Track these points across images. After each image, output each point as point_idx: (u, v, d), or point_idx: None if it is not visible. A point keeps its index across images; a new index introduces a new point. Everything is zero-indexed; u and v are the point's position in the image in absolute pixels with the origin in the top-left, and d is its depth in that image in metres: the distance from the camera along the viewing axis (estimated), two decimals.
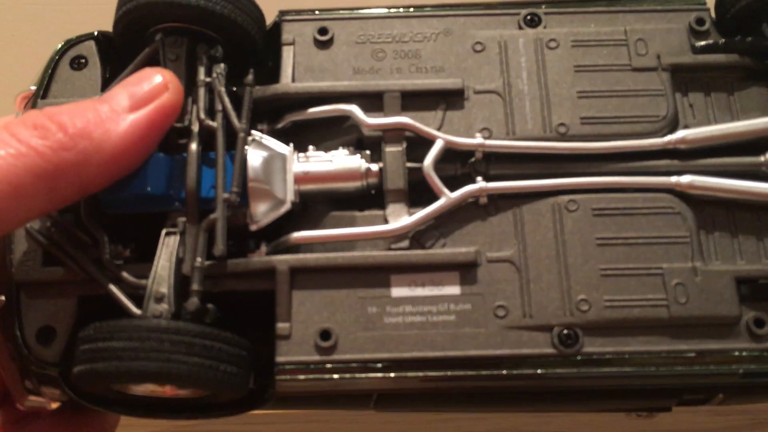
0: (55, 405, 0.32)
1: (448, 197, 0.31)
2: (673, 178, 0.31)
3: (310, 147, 0.32)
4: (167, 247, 0.30)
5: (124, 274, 0.30)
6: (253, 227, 0.31)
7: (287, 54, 0.33)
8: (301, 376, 0.29)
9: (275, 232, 0.31)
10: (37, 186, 0.27)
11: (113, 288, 0.29)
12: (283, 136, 0.32)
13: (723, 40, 0.33)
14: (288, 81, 0.33)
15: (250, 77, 0.32)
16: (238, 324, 0.29)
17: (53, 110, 0.28)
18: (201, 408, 0.31)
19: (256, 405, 0.30)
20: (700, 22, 0.33)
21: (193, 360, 0.27)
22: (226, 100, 0.31)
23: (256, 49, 0.33)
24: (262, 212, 0.31)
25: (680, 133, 0.31)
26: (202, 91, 0.31)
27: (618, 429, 0.45)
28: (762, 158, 0.31)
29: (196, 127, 0.31)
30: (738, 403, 0.32)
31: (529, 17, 0.34)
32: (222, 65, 0.32)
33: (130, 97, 0.29)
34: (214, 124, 0.31)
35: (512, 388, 0.30)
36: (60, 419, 0.33)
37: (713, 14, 0.34)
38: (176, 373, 0.27)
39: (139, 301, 0.29)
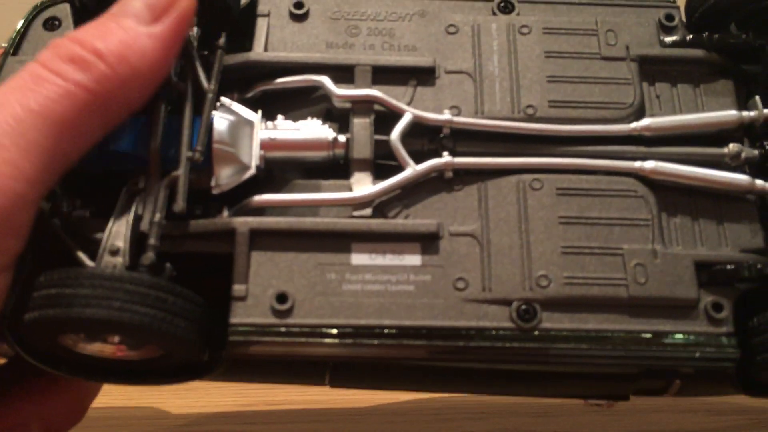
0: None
1: (413, 169, 0.31)
2: (637, 163, 0.31)
3: (279, 116, 0.32)
4: (126, 204, 0.29)
5: (81, 228, 0.29)
6: (216, 190, 0.30)
7: (261, 24, 0.33)
8: (255, 338, 0.28)
9: (240, 200, 0.31)
10: (92, 121, 0.27)
11: (66, 239, 0.29)
12: (252, 105, 0.32)
13: (691, 36, 0.34)
14: (260, 50, 0.33)
15: (221, 41, 0.32)
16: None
17: (81, 36, 0.27)
18: (150, 374, 0.30)
19: (207, 371, 0.30)
20: (670, 18, 0.34)
21: (146, 311, 0.26)
22: (197, 62, 0.31)
23: (231, 17, 0.33)
24: (225, 176, 0.30)
25: (645, 121, 0.32)
26: None
27: (618, 428, 0.44)
28: (725, 150, 0.32)
29: (165, 89, 0.31)
30: (696, 393, 0.32)
31: (502, 4, 0.34)
32: (195, 29, 0.32)
33: (149, 9, 0.28)
34: (183, 85, 0.31)
35: (468, 365, 0.30)
36: (30, 393, 0.31)
37: (683, 13, 0.35)
38: (128, 323, 0.26)
39: (94, 256, 0.29)
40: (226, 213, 0.31)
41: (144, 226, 0.29)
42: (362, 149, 0.31)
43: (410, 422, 0.45)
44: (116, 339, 0.29)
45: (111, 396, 0.45)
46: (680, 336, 0.29)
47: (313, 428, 0.44)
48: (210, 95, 0.30)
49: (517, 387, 0.33)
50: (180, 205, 0.29)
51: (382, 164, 0.31)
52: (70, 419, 0.33)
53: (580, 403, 0.44)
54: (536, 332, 0.29)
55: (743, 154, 0.32)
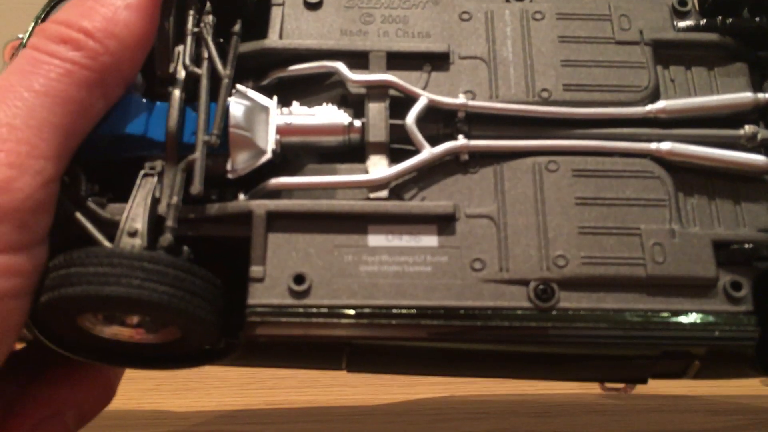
0: (18, 345, 0.31)
1: (429, 151, 0.31)
2: (653, 145, 0.31)
3: (295, 102, 0.32)
4: (144, 187, 0.30)
5: (99, 211, 0.29)
6: (232, 175, 0.30)
7: (276, 13, 0.34)
8: (272, 319, 0.28)
9: (256, 186, 0.31)
10: (94, 96, 0.28)
11: (85, 221, 0.29)
12: (268, 92, 0.32)
13: (704, 21, 0.34)
14: (275, 38, 0.33)
15: (237, 27, 0.32)
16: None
17: (66, 18, 0.28)
18: (168, 358, 0.30)
19: (224, 355, 0.30)
20: (683, 3, 0.34)
21: (165, 289, 0.26)
22: (212, 48, 0.31)
23: (246, 5, 0.33)
24: (242, 160, 0.31)
25: (661, 103, 0.32)
26: (189, 40, 0.32)
27: (618, 428, 0.44)
28: (741, 131, 0.32)
29: (181, 75, 0.31)
30: (715, 375, 0.32)
31: None
32: (210, 17, 0.32)
33: None
34: (199, 71, 0.31)
35: (485, 347, 0.30)
36: (62, 380, 0.32)
37: None
38: (146, 300, 0.26)
39: (112, 239, 0.29)
40: (242, 197, 0.31)
41: (161, 209, 0.29)
42: (378, 133, 0.31)
43: (410, 422, 0.45)
44: (134, 321, 0.29)
45: None
46: (699, 315, 0.29)
47: (313, 428, 0.44)
48: (226, 80, 0.31)
49: (535, 370, 0.33)
50: (197, 187, 0.29)
51: (398, 150, 0.31)
52: (102, 402, 0.33)
53: (583, 402, 0.45)
54: (554, 312, 0.28)
55: (759, 136, 0.32)
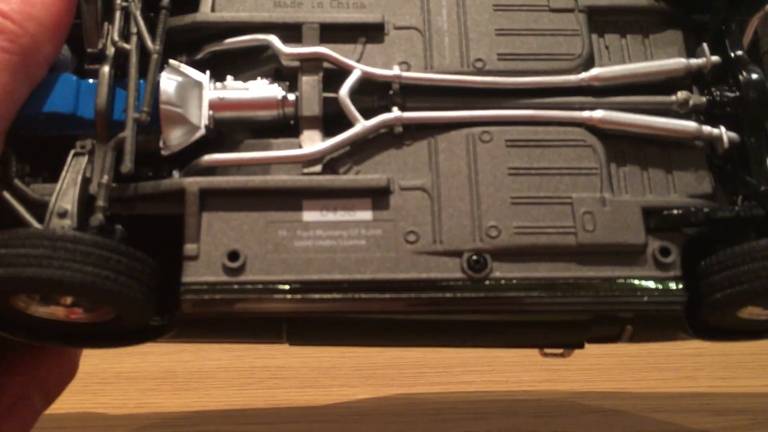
0: None
1: (362, 124, 0.31)
2: (586, 113, 0.31)
3: (229, 77, 0.32)
4: (74, 166, 0.29)
5: (29, 192, 0.29)
6: (166, 152, 0.30)
7: None
8: (207, 296, 0.28)
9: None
10: (17, 79, 0.28)
11: (13, 202, 0.29)
12: (202, 67, 0.32)
13: None
14: (207, 11, 0.33)
15: (165, 1, 0.32)
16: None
17: None
18: (104, 336, 0.30)
19: (161, 333, 0.30)
20: None
21: (89, 269, 0.26)
22: (141, 22, 0.31)
23: None
24: (174, 137, 0.30)
25: (594, 71, 0.32)
26: (118, 15, 0.31)
27: (618, 428, 0.45)
28: (673, 97, 0.32)
29: (111, 52, 0.31)
30: (649, 339, 0.33)
31: None
32: None
33: None
34: (128, 47, 0.31)
35: (423, 317, 0.30)
36: (21, 364, 0.32)
37: None
38: (69, 282, 0.26)
39: (43, 220, 0.29)
40: (176, 174, 0.30)
41: (93, 188, 0.29)
42: (311, 106, 0.31)
43: (410, 422, 0.45)
44: (68, 301, 0.29)
45: (110, 396, 0.46)
46: (628, 281, 0.29)
47: (313, 428, 0.45)
48: (155, 56, 0.30)
49: (475, 339, 0.33)
50: (127, 165, 0.29)
51: (335, 123, 0.31)
52: (66, 377, 0.33)
53: (583, 402, 0.46)
54: (487, 282, 0.29)
55: (691, 101, 0.32)
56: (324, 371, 0.48)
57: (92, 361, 0.48)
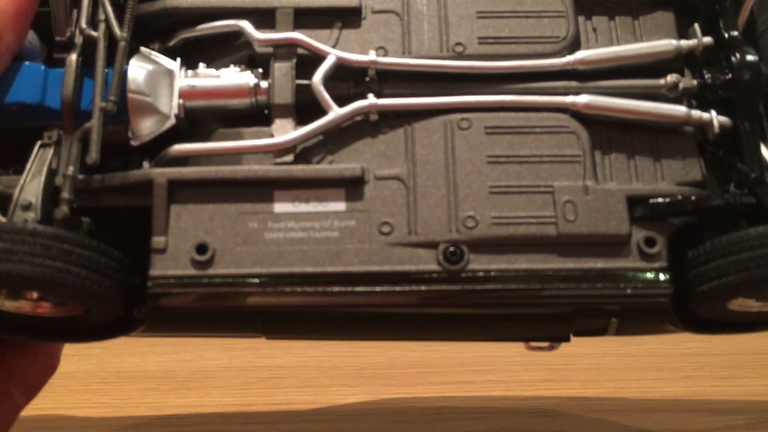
0: None
1: (336, 112, 0.30)
2: (569, 98, 0.30)
3: (201, 65, 0.31)
4: (40, 158, 0.29)
5: None
6: (135, 142, 0.30)
7: None
8: (176, 290, 0.28)
9: None
10: None
11: None
12: (175, 55, 0.31)
13: None
14: None
15: None
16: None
17: None
18: (73, 331, 0.29)
19: (130, 328, 0.29)
20: None
21: (49, 263, 0.26)
22: (109, 9, 0.30)
23: None
24: (144, 127, 0.30)
25: (579, 54, 0.31)
26: (86, 1, 0.30)
27: (619, 428, 0.45)
28: (662, 81, 0.31)
29: (79, 40, 0.30)
30: (636, 332, 0.31)
31: None
32: None
33: None
34: (96, 34, 0.30)
35: (399, 310, 0.29)
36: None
37: None
38: (29, 276, 0.25)
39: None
40: (146, 165, 0.30)
41: (59, 180, 0.28)
42: (283, 94, 0.30)
43: (410, 422, 0.45)
44: (34, 296, 0.28)
45: (110, 396, 0.45)
46: (611, 273, 0.28)
47: (313, 428, 0.45)
48: (122, 44, 0.29)
49: (457, 332, 0.32)
50: (92, 157, 0.28)
51: (310, 111, 0.30)
52: (47, 371, 0.32)
53: (583, 402, 0.45)
54: (463, 274, 0.28)
55: (681, 85, 0.30)
56: (324, 371, 0.48)
57: (92, 361, 0.48)
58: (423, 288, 0.28)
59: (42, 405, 0.43)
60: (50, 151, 0.29)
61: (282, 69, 0.30)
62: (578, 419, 0.45)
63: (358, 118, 0.30)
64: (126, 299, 0.28)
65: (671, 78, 0.31)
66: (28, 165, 0.29)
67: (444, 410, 0.46)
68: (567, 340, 0.32)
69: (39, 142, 0.29)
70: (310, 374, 0.48)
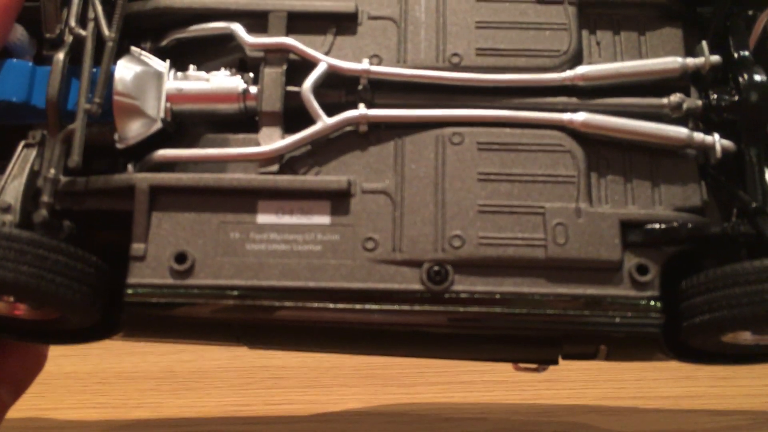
0: None
1: (324, 122, 0.29)
2: (567, 115, 0.29)
3: (191, 66, 0.30)
4: (23, 159, 0.28)
5: None
6: (121, 145, 0.29)
7: None
8: (153, 299, 0.27)
9: None
10: None
11: None
12: (166, 56, 0.31)
13: None
14: None
15: None
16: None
17: None
18: (49, 333, 0.29)
19: (107, 332, 0.29)
20: None
21: (23, 269, 0.25)
22: (99, 7, 0.29)
23: None
24: (130, 130, 0.29)
25: (580, 69, 0.30)
26: (76, 0, 0.30)
27: (619, 428, 0.44)
28: (665, 100, 0.29)
29: (69, 38, 0.30)
30: (625, 358, 0.30)
31: None
32: None
33: None
34: (84, 33, 0.29)
35: (380, 327, 0.29)
36: None
37: None
38: (1, 280, 0.25)
39: None
40: (131, 169, 0.29)
41: (40, 182, 0.28)
42: (272, 101, 0.29)
43: (410, 422, 0.44)
44: (10, 298, 0.28)
45: (110, 396, 0.45)
46: (600, 300, 0.27)
47: (313, 428, 0.44)
48: (110, 44, 0.29)
49: (440, 350, 0.31)
50: (74, 159, 0.27)
51: (300, 119, 0.30)
52: (34, 370, 0.32)
53: (583, 402, 0.45)
54: (447, 295, 0.27)
55: (685, 105, 0.29)
56: (324, 371, 0.47)
57: (92, 361, 0.48)
58: (404, 307, 0.27)
59: (42, 405, 0.44)
60: (33, 152, 0.28)
61: (272, 75, 0.30)
62: (578, 419, 0.44)
63: (348, 129, 0.29)
64: (105, 305, 0.28)
65: (675, 98, 0.29)
66: (10, 166, 0.28)
67: (444, 410, 0.45)
68: (555, 363, 0.31)
69: (23, 142, 0.29)
70: (310, 374, 0.47)
